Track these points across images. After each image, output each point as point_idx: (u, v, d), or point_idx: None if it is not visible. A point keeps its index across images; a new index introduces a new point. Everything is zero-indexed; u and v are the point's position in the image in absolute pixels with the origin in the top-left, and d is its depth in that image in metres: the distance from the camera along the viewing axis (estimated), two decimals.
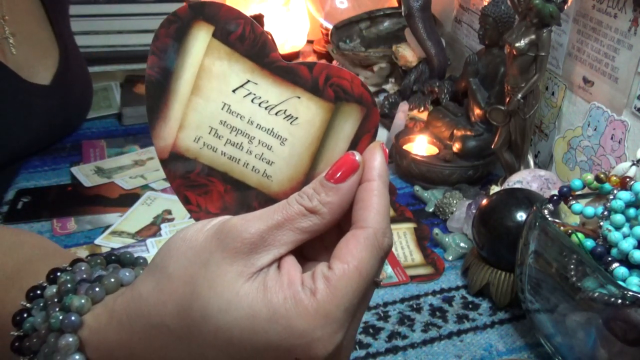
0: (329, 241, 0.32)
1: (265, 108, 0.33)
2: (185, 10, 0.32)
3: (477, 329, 0.57)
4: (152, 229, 0.69)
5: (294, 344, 0.28)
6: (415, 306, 0.59)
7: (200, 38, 0.32)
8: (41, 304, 0.33)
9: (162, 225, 0.70)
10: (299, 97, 0.32)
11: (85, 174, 0.80)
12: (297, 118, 0.33)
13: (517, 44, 0.65)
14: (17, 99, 0.78)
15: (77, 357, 0.31)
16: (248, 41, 0.32)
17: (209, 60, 0.32)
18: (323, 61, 0.32)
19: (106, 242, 0.67)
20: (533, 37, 0.65)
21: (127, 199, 0.75)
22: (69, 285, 0.33)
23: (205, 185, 0.33)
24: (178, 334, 0.30)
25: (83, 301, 0.32)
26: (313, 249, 0.33)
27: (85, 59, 0.97)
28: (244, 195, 0.33)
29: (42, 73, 0.83)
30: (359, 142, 0.33)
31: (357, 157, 0.31)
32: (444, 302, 0.60)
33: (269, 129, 0.33)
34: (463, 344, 0.55)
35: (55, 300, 0.33)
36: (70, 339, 0.31)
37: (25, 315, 0.33)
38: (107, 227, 0.69)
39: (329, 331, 0.28)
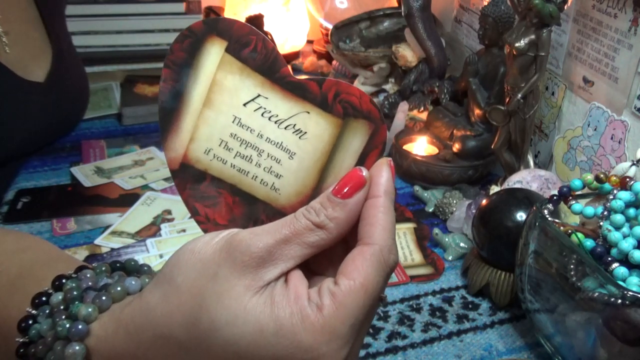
0: (335, 255, 0.32)
1: (275, 122, 0.33)
2: (200, 25, 0.33)
3: (477, 329, 0.57)
4: (152, 229, 0.69)
5: (299, 359, 0.28)
6: (415, 306, 0.59)
7: (214, 53, 0.33)
8: (47, 311, 0.33)
9: (162, 226, 0.70)
10: (308, 112, 0.33)
11: (85, 174, 0.80)
12: (306, 133, 0.33)
13: (517, 44, 0.65)
14: (13, 95, 0.78)
15: None
16: (260, 56, 0.33)
17: (221, 74, 0.33)
18: (333, 78, 0.33)
19: (106, 242, 0.67)
20: (533, 37, 0.65)
21: (127, 199, 0.75)
22: (75, 293, 0.33)
23: (214, 197, 0.34)
24: (185, 345, 0.30)
25: (90, 310, 0.32)
26: (319, 263, 0.33)
27: (82, 59, 0.97)
28: (252, 208, 0.34)
29: (36, 72, 0.83)
30: (366, 158, 0.33)
31: (365, 173, 0.31)
32: (444, 302, 0.60)
33: (278, 143, 0.33)
34: (463, 344, 0.55)
35: (62, 307, 0.33)
36: (77, 348, 0.31)
37: (30, 321, 0.33)
38: (107, 227, 0.69)
39: (334, 347, 0.28)
